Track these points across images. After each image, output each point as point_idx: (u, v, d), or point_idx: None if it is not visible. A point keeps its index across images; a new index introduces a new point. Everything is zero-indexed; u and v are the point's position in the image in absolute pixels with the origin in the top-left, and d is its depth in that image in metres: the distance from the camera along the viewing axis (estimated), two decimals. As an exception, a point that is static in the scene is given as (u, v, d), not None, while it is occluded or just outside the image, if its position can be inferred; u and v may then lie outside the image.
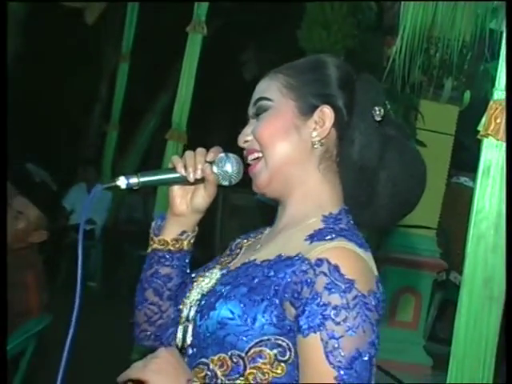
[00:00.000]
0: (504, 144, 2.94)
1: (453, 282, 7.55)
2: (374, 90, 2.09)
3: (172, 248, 2.23)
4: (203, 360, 1.94)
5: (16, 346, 4.11)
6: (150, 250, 2.26)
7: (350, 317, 1.76)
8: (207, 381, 1.90)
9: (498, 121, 2.90)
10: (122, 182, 2.08)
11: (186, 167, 2.11)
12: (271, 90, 2.10)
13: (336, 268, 1.79)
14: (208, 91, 8.31)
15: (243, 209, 10.68)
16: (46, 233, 4.92)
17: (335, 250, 1.85)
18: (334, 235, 1.90)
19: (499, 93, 2.96)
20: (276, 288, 1.86)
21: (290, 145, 2.04)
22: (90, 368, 6.21)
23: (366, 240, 1.95)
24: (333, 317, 1.75)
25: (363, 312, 1.78)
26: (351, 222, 2.01)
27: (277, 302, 1.85)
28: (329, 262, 1.80)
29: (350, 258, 1.84)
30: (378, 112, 2.02)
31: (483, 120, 2.96)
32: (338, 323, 1.75)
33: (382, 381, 7.09)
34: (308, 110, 2.04)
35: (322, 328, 1.76)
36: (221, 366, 1.90)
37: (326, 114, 2.02)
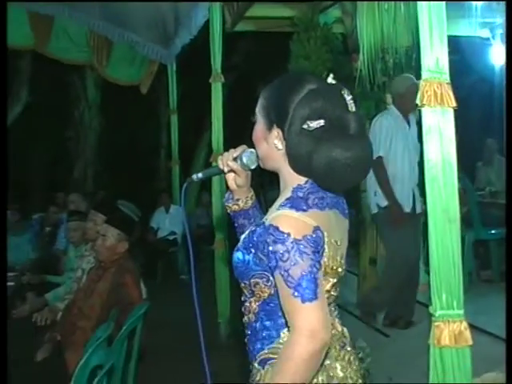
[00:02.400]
0: (437, 108, 2.95)
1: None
2: (320, 105, 2.15)
3: (235, 208, 2.58)
4: (240, 285, 2.35)
5: (130, 325, 4.11)
6: (229, 213, 2.62)
7: (291, 255, 2.06)
8: (244, 299, 2.34)
9: (429, 93, 2.90)
10: (193, 177, 2.49)
11: (222, 164, 2.44)
12: (258, 106, 2.34)
13: (277, 228, 2.09)
14: (234, 120, 8.35)
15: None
16: (127, 243, 5.02)
17: (276, 217, 2.13)
18: (285, 205, 2.17)
19: (425, 73, 2.96)
20: (254, 243, 2.21)
21: (263, 149, 2.34)
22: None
23: (319, 202, 2.21)
24: (281, 258, 2.07)
25: (299, 250, 2.06)
26: (309, 190, 2.22)
27: (256, 253, 2.20)
28: (272, 226, 2.10)
29: (286, 219, 2.11)
30: (308, 125, 2.14)
31: (418, 95, 2.96)
32: (284, 261, 2.06)
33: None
34: (269, 126, 2.29)
35: (277, 266, 2.08)
36: (245, 289, 2.32)
37: (279, 133, 2.24)
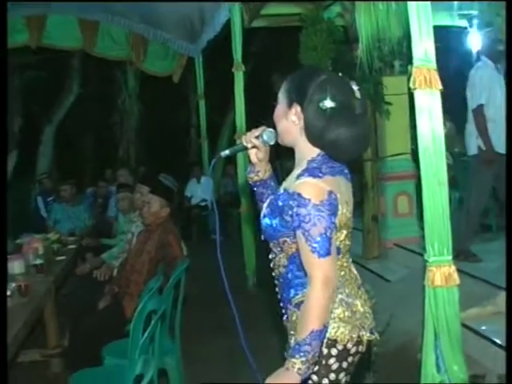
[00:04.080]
0: (427, 90, 3.01)
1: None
2: (333, 90, 2.25)
3: (256, 179, 2.64)
4: (269, 244, 2.44)
5: (176, 277, 4.19)
6: (250, 183, 2.68)
7: (312, 218, 2.17)
8: (273, 256, 2.43)
9: (420, 78, 2.96)
10: (221, 154, 2.56)
11: (245, 141, 2.51)
12: (281, 90, 2.42)
13: (299, 194, 2.20)
14: (253, 103, 8.38)
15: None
16: (169, 209, 5.11)
17: (299, 184, 2.23)
18: (304, 174, 2.26)
19: (416, 61, 3.03)
20: (280, 208, 2.31)
21: (283, 125, 2.41)
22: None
23: (330, 170, 2.29)
24: (303, 220, 2.18)
25: (319, 214, 2.17)
26: (322, 161, 2.31)
27: (281, 216, 2.30)
28: (296, 193, 2.21)
29: (307, 187, 2.21)
30: (324, 105, 2.24)
31: (411, 80, 3.03)
32: (306, 222, 2.18)
33: (398, 252, 7.15)
34: (290, 105, 2.34)
35: (300, 226, 2.20)
36: (274, 247, 2.41)
37: (297, 108, 2.32)
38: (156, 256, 4.89)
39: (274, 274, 2.48)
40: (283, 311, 2.49)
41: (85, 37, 10.21)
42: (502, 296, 4.95)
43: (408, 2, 3.04)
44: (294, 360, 2.12)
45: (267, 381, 2.18)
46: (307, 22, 7.48)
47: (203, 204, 12.10)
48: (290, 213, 2.24)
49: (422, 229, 6.85)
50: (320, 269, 2.17)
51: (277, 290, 2.49)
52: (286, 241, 2.33)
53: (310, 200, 2.18)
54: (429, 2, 3.02)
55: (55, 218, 8.24)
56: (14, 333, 3.71)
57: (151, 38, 10.66)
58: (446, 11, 8.09)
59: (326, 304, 2.18)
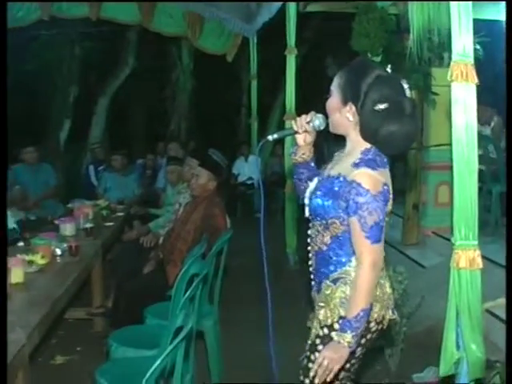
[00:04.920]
0: (463, 83, 3.18)
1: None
2: (386, 90, 2.44)
3: (300, 160, 2.81)
4: (314, 223, 2.63)
5: (219, 246, 4.42)
6: (292, 163, 2.85)
7: (369, 207, 2.37)
8: (316, 233, 2.61)
9: (457, 72, 3.12)
10: (269, 137, 2.70)
11: (297, 126, 2.68)
12: (334, 84, 2.57)
13: (359, 184, 2.38)
14: (303, 86, 8.53)
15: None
16: (216, 183, 5.34)
17: (359, 173, 2.40)
18: (361, 164, 2.43)
19: (455, 56, 3.19)
20: (334, 194, 2.48)
21: (336, 118, 2.57)
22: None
23: (382, 161, 2.48)
24: (360, 207, 2.38)
25: (375, 204, 2.38)
26: (376, 153, 2.49)
27: (336, 200, 2.47)
28: (355, 182, 2.39)
29: (366, 177, 2.39)
30: (378, 107, 2.42)
31: (449, 73, 3.19)
32: (363, 210, 2.37)
33: (436, 240, 7.28)
34: (344, 102, 2.49)
35: (356, 213, 2.39)
36: (320, 225, 2.58)
37: (352, 108, 2.47)
38: (201, 226, 5.13)
39: (310, 249, 2.67)
40: (314, 284, 2.70)
41: (142, 12, 10.38)
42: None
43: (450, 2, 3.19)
44: (345, 335, 2.37)
45: (323, 352, 2.41)
46: (361, 9, 7.60)
47: (249, 182, 12.31)
48: (347, 199, 2.41)
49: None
50: (371, 253, 2.39)
51: (311, 263, 2.68)
52: (334, 222, 2.50)
53: (368, 190, 2.37)
54: (470, 2, 3.17)
55: (105, 186, 8.49)
56: (64, 288, 3.99)
57: (207, 16, 10.82)
58: (496, 5, 8.10)
59: (373, 285, 2.43)
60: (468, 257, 3.20)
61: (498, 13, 8.17)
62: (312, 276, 2.70)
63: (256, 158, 12.03)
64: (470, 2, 3.17)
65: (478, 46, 7.34)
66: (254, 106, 11.52)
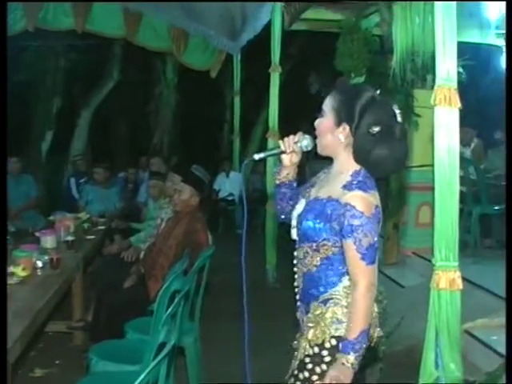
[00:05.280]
0: (446, 107, 3.24)
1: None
2: (380, 114, 2.47)
3: (284, 180, 2.79)
4: (302, 245, 2.61)
5: (200, 262, 4.40)
6: (275, 182, 2.82)
7: (364, 229, 2.39)
8: (304, 255, 2.59)
9: (440, 96, 3.19)
10: (255, 156, 2.68)
11: (285, 146, 2.65)
12: (326, 105, 2.57)
13: (354, 207, 2.40)
14: (286, 103, 8.57)
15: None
16: (198, 199, 5.35)
17: (353, 196, 2.43)
18: (353, 187, 2.46)
19: (438, 80, 3.25)
20: (327, 216, 2.48)
21: (327, 139, 2.57)
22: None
23: (372, 184, 2.50)
24: (355, 230, 2.40)
25: (369, 226, 2.41)
26: (366, 175, 2.50)
27: (328, 222, 2.48)
28: (350, 204, 2.41)
29: (360, 201, 2.41)
30: (373, 130, 2.44)
31: (433, 97, 3.26)
32: (358, 233, 2.39)
33: (416, 260, 7.32)
34: (338, 124, 2.50)
35: (351, 236, 2.41)
36: (309, 248, 2.57)
37: (346, 129, 2.49)
38: (183, 241, 5.13)
39: (297, 270, 2.68)
40: (301, 305, 2.69)
41: (127, 26, 10.41)
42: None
43: (435, 25, 3.26)
44: (349, 356, 2.39)
45: (330, 373, 2.42)
46: (345, 29, 7.68)
47: (230, 198, 12.36)
48: (341, 221, 2.42)
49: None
50: (366, 275, 2.42)
51: (297, 285, 2.69)
52: (325, 244, 2.50)
53: (362, 213, 2.39)
54: (455, 28, 3.24)
55: (87, 199, 8.47)
56: (45, 300, 3.98)
57: (192, 32, 10.88)
58: (481, 29, 8.23)
59: (371, 306, 2.46)
60: (448, 278, 3.26)
61: (482, 36, 8.32)
62: (298, 297, 2.69)
63: (237, 174, 12.10)
64: (455, 26, 3.23)
65: (461, 69, 7.47)
66: (237, 123, 11.60)
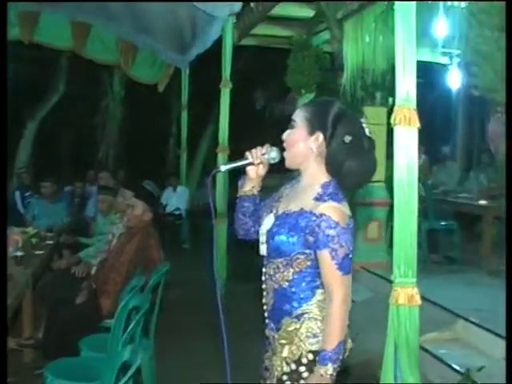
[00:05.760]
0: (406, 127, 3.32)
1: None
2: (351, 125, 2.47)
3: (248, 194, 2.71)
4: (272, 260, 2.56)
5: (155, 280, 4.38)
6: (238, 195, 2.73)
7: (340, 239, 2.38)
8: (275, 270, 2.55)
9: (400, 116, 3.26)
10: (222, 168, 2.64)
11: (252, 157, 2.59)
12: (298, 116, 2.56)
13: (329, 217, 2.38)
14: (236, 119, 8.59)
15: (269, 187, 11.05)
16: (151, 214, 5.33)
17: (327, 207, 2.41)
18: (326, 198, 2.44)
19: (398, 101, 3.33)
20: (301, 229, 2.45)
21: (297, 150, 2.54)
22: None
23: (343, 195, 2.48)
24: (331, 241, 2.38)
25: (345, 236, 2.39)
26: (336, 186, 2.49)
27: (302, 235, 2.45)
28: (325, 215, 2.39)
29: (334, 211, 2.40)
30: (346, 139, 2.43)
31: (392, 117, 3.33)
32: (334, 243, 2.37)
33: (364, 275, 7.43)
34: (311, 133, 2.50)
35: (327, 246, 2.39)
36: (281, 263, 2.52)
37: (319, 137, 2.48)
38: (136, 258, 5.09)
39: (267, 287, 2.62)
40: (270, 322, 2.63)
41: (75, 38, 10.35)
42: (459, 323, 5.31)
43: (396, 46, 3.34)
44: (327, 367, 2.36)
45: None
46: (296, 46, 7.80)
47: (177, 213, 12.30)
48: (316, 232, 2.40)
49: (390, 254, 7.17)
50: (342, 285, 2.40)
51: (266, 302, 2.63)
52: (298, 257, 2.47)
53: (338, 223, 2.37)
54: (415, 47, 3.33)
55: (33, 214, 8.32)
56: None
57: (141, 45, 10.87)
58: (429, 48, 8.44)
59: (347, 316, 2.43)
60: (407, 294, 3.33)
61: (433, 55, 8.54)
62: (267, 314, 2.64)
63: (184, 189, 12.09)
64: (415, 47, 3.32)
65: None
66: (184, 137, 11.59)
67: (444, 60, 9.40)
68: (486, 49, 3.47)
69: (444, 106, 9.22)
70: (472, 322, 5.24)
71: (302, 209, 2.48)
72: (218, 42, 8.27)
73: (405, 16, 3.33)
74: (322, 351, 2.41)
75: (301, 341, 2.49)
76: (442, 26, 7.05)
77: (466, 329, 5.27)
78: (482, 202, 7.64)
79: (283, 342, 2.54)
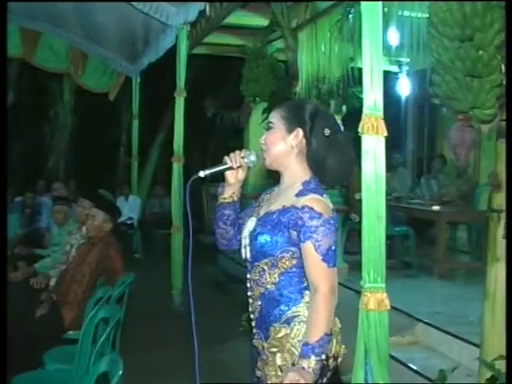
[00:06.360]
0: (373, 136, 3.40)
1: (352, 219, 7.78)
2: (328, 120, 2.51)
3: (228, 200, 2.68)
4: (256, 263, 2.50)
5: (119, 291, 4.37)
6: (218, 202, 2.70)
7: (323, 230, 2.33)
8: (260, 274, 2.48)
9: (368, 125, 3.33)
10: (201, 174, 2.54)
11: (231, 161, 2.57)
12: (274, 117, 2.55)
13: (311, 208, 2.34)
14: (187, 127, 8.52)
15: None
16: (111, 223, 5.36)
17: (310, 199, 2.37)
18: (307, 192, 2.41)
19: (366, 109, 3.40)
20: (284, 224, 2.41)
21: (279, 147, 2.52)
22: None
23: (323, 192, 2.45)
24: (314, 231, 2.33)
25: (328, 227, 2.34)
26: (317, 183, 2.48)
27: (286, 231, 2.41)
28: (307, 206, 2.35)
29: (317, 202, 2.37)
30: (326, 131, 2.45)
31: (360, 125, 3.40)
32: (317, 234, 2.33)
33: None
34: (290, 130, 2.50)
35: (311, 237, 2.34)
36: (266, 265, 2.46)
37: (299, 132, 2.48)
38: (97, 268, 5.09)
39: (252, 293, 2.54)
40: (257, 332, 2.55)
41: (25, 45, 10.24)
42: (419, 327, 5.44)
43: (363, 56, 3.42)
44: (310, 360, 2.23)
45: (289, 374, 2.24)
46: (251, 55, 7.85)
47: (129, 222, 12.23)
48: (299, 225, 2.36)
49: (346, 261, 7.24)
50: (328, 277, 2.32)
51: (252, 310, 2.56)
52: (284, 257, 2.41)
53: (321, 214, 2.33)
54: (381, 56, 3.42)
55: (-15, 225, 8.20)
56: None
57: (91, 54, 10.79)
58: (389, 57, 8.59)
59: (332, 309, 2.32)
60: (377, 299, 3.40)
61: (390, 64, 8.70)
62: (254, 323, 2.57)
63: (136, 198, 12.02)
64: (381, 57, 3.41)
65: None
66: (135, 146, 11.49)
67: (393, 68, 9.61)
68: (447, 58, 3.55)
69: (394, 113, 9.36)
70: (432, 326, 5.37)
71: (283, 206, 2.45)
72: (170, 51, 8.25)
73: (371, 24, 3.40)
74: (304, 344, 2.30)
75: (292, 346, 2.40)
76: (393, 35, 7.22)
77: (425, 332, 5.39)
78: (435, 208, 7.81)
79: (274, 350, 2.46)
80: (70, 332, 4.86)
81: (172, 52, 8.16)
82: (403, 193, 9.27)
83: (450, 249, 8.46)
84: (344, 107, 7.60)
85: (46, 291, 5.55)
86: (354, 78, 6.75)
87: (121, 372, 2.60)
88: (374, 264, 3.41)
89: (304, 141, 2.49)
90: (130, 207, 12.24)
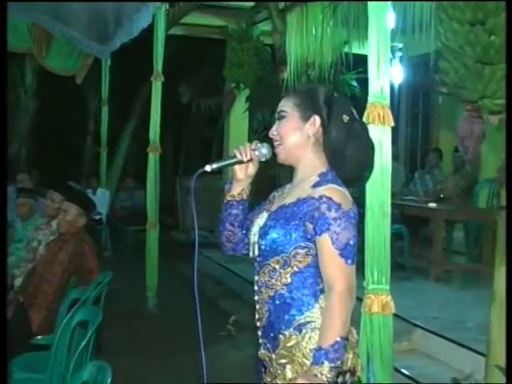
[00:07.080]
0: (379, 126, 3.39)
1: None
2: (344, 105, 2.47)
3: (237, 198, 2.60)
4: (266, 262, 2.41)
5: (97, 291, 4.33)
6: (225, 201, 2.63)
7: (342, 223, 2.27)
8: (270, 274, 2.39)
9: (374, 114, 3.32)
10: (207, 168, 2.47)
11: (241, 154, 2.51)
12: (286, 106, 2.49)
13: (330, 198, 2.29)
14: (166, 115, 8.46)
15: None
16: (85, 218, 5.27)
17: (328, 189, 2.32)
18: (325, 183, 2.36)
19: (371, 98, 3.39)
20: (300, 216, 2.34)
21: (295, 138, 2.46)
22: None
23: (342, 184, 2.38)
24: (332, 223, 2.27)
25: (347, 220, 2.28)
26: (334, 174, 2.42)
27: (301, 224, 2.34)
28: (325, 196, 2.29)
29: (336, 192, 2.32)
30: (344, 118, 2.41)
31: (365, 114, 3.40)
32: (336, 226, 2.26)
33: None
34: (306, 118, 2.45)
35: (328, 229, 2.27)
36: (277, 263, 2.37)
37: (316, 120, 2.44)
38: (69, 267, 5.02)
39: (260, 298, 2.45)
40: (264, 342, 2.45)
41: (-21, 22, 10.10)
42: (416, 333, 5.46)
43: (370, 43, 3.41)
44: (323, 367, 2.15)
45: (299, 381, 2.20)
46: (234, 37, 7.80)
47: (97, 217, 12.11)
48: (316, 217, 2.29)
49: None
50: (345, 275, 2.25)
51: (259, 317, 2.46)
52: (298, 253, 2.33)
53: (340, 205, 2.27)
54: (389, 43, 3.42)
55: None
56: None
57: (57, 33, 10.61)
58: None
59: (350, 311, 2.25)
60: (381, 301, 3.40)
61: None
62: (260, 333, 2.46)
63: (104, 191, 11.92)
64: (389, 42, 3.41)
65: (354, 83, 7.79)
66: (104, 134, 11.35)
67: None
68: (455, 44, 3.55)
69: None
70: (431, 332, 5.40)
71: (298, 198, 2.39)
72: (144, 31, 8.17)
73: (379, 6, 3.40)
74: (318, 349, 2.21)
75: (303, 356, 2.30)
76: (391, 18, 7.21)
77: (424, 338, 5.42)
78: (432, 205, 7.84)
79: (283, 361, 2.35)
80: (39, 337, 4.80)
81: (147, 32, 8.08)
82: (396, 188, 9.27)
83: (446, 249, 8.48)
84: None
85: (10, 292, 5.48)
86: (348, 64, 6.77)
87: (109, 380, 2.53)
88: (378, 264, 3.42)
89: (321, 129, 2.45)
90: (98, 201, 12.08)
